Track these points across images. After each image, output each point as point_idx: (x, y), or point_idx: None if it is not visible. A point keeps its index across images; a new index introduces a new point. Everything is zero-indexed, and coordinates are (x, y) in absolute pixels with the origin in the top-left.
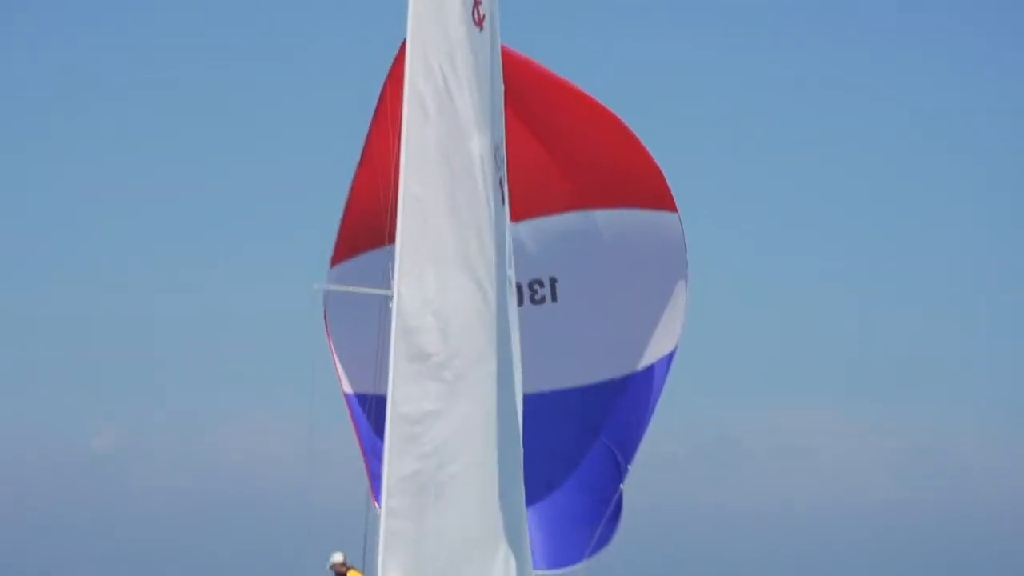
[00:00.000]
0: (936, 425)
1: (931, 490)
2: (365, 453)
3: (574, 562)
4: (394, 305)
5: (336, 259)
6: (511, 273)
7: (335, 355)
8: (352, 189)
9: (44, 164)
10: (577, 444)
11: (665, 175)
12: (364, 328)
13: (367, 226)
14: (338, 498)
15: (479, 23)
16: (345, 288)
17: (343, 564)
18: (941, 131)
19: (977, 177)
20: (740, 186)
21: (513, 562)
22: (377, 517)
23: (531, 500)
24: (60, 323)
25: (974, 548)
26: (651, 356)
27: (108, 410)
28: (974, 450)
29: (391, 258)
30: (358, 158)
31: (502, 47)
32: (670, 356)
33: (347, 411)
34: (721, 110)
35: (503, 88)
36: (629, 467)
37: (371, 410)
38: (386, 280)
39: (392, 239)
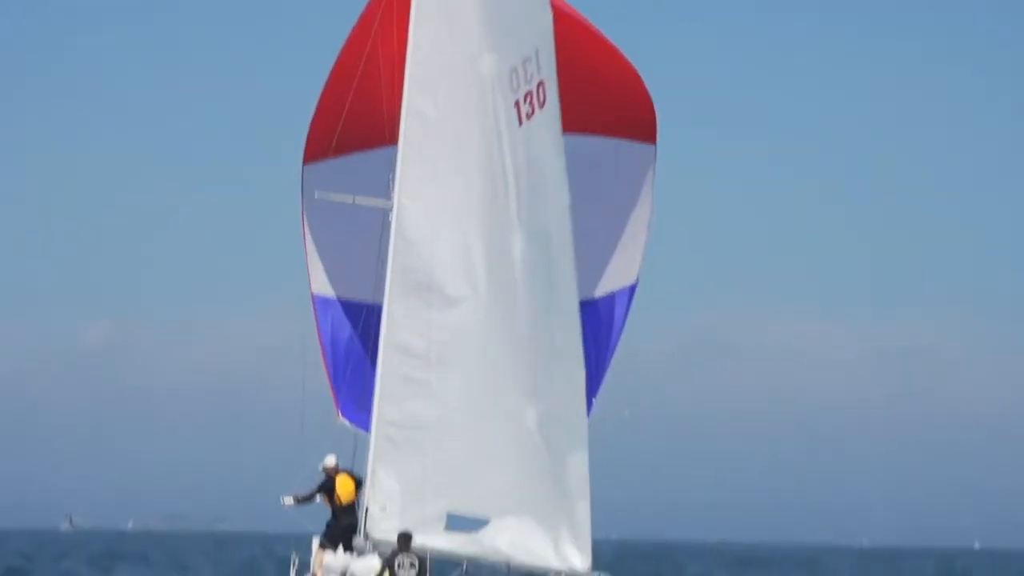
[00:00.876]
0: (923, 324)
1: (919, 386)
2: (327, 362)
3: None
4: (394, 217)
5: (311, 157)
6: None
7: (309, 255)
8: (328, 89)
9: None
10: None
11: (655, 106)
12: (346, 233)
13: (349, 127)
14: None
15: None
16: (347, 199)
17: (334, 468)
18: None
19: (976, 89)
20: (741, 100)
21: (512, 476)
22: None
23: None
24: (53, 219)
25: (961, 442)
26: (611, 284)
27: (100, 305)
28: (962, 347)
29: (390, 167)
30: (336, 57)
31: None
32: (631, 289)
33: (312, 313)
34: None
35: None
36: (594, 400)
37: (358, 319)
38: (384, 189)
39: (385, 142)
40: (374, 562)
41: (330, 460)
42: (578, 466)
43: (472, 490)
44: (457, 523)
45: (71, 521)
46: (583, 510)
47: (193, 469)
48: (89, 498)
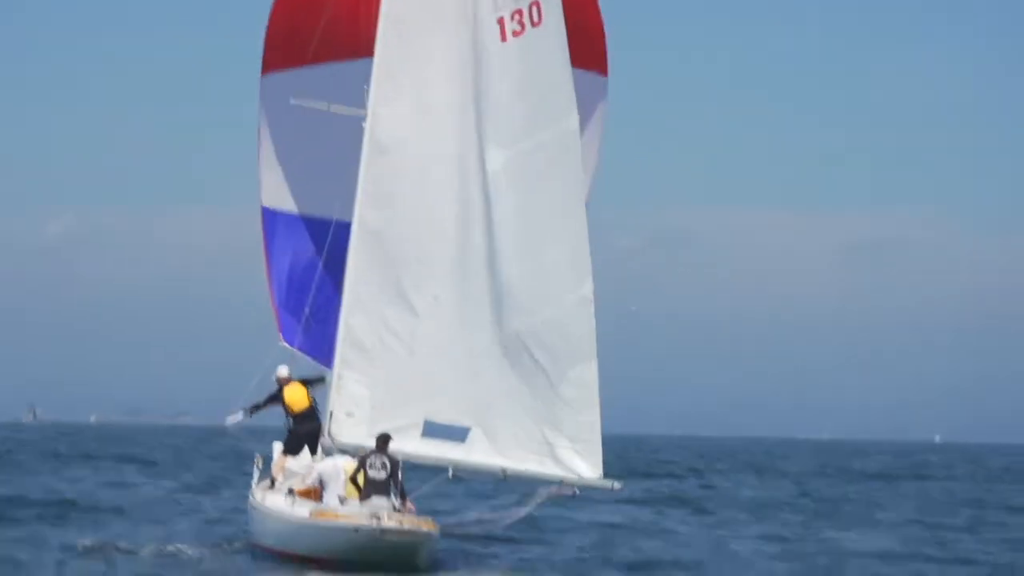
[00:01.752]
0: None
1: (885, 281)
2: (272, 280)
3: None
4: (368, 124)
5: (273, 65)
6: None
7: (264, 167)
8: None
9: None
10: None
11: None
12: (310, 145)
13: (322, 36)
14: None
15: None
16: (322, 106)
17: (285, 378)
18: None
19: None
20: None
21: (495, 386)
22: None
23: None
24: (13, 107)
25: (924, 337)
26: None
27: (61, 196)
28: (928, 242)
29: (365, 79)
30: None
31: None
32: None
33: (260, 226)
34: None
35: None
36: None
37: (314, 235)
38: (356, 100)
39: (361, 54)
40: (341, 462)
41: (282, 371)
42: (583, 376)
43: (450, 399)
44: (437, 432)
45: (34, 414)
46: (590, 420)
47: (154, 364)
48: (52, 391)
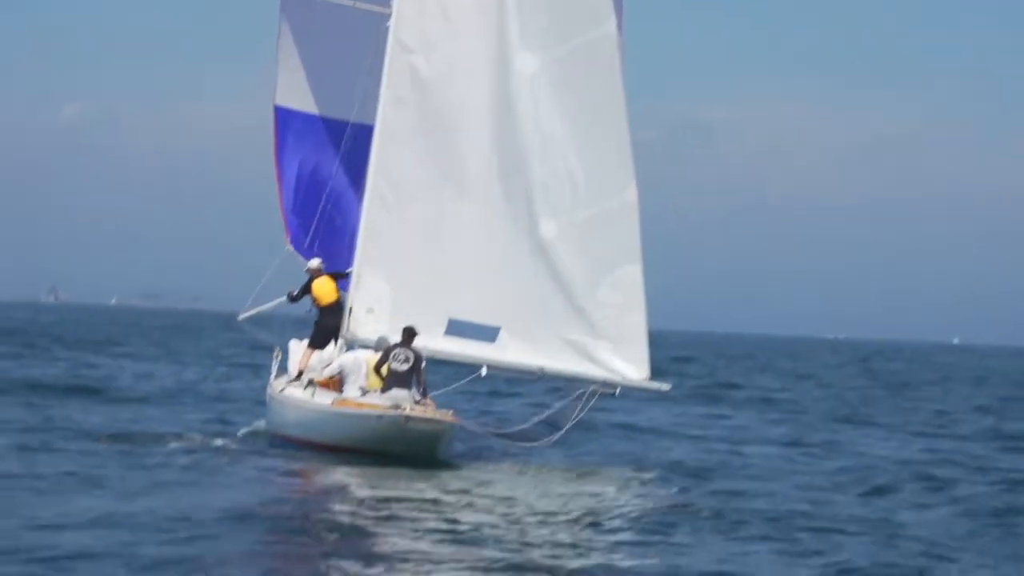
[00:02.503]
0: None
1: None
2: (282, 182)
3: None
4: (392, 24)
5: None
6: None
7: (282, 63)
8: None
9: None
10: None
11: None
12: (333, 44)
13: None
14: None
15: None
16: (347, 1)
17: (316, 270)
18: None
19: None
20: None
21: (525, 287)
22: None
23: None
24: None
25: (948, 237)
26: None
27: (78, 81)
28: (954, 141)
29: None
30: None
31: None
32: None
33: (272, 126)
34: None
35: None
36: None
37: (331, 137)
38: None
39: None
40: (362, 355)
41: (313, 263)
42: (626, 278)
43: (477, 298)
44: (463, 331)
45: (56, 295)
46: (635, 322)
47: (173, 249)
48: (74, 273)
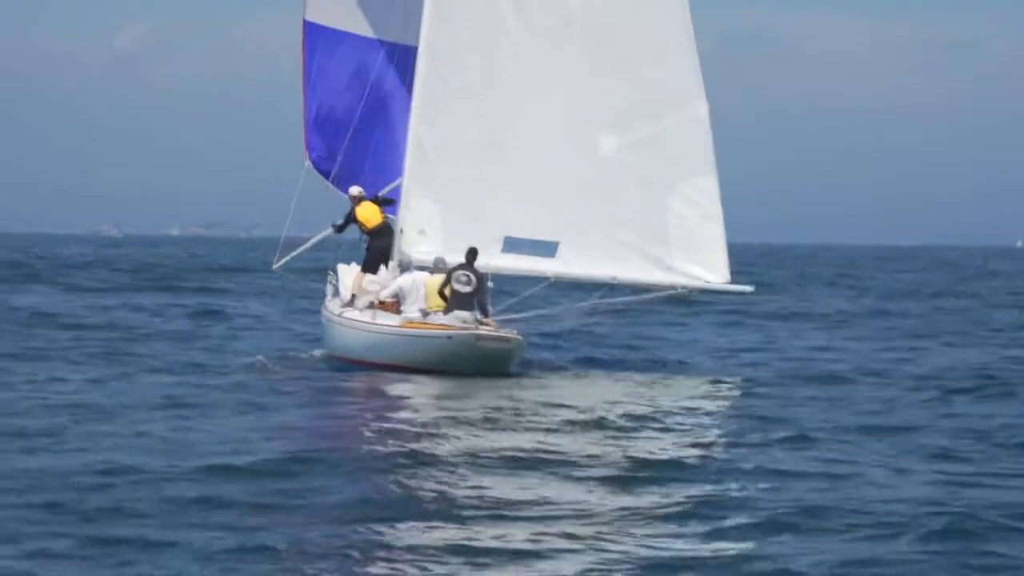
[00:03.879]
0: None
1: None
2: (307, 97)
3: None
4: None
5: None
6: None
7: None
8: None
9: None
10: None
11: None
12: None
13: None
14: None
15: None
16: None
17: (357, 196)
18: None
19: None
20: None
21: (587, 201)
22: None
23: None
24: None
25: (1008, 140)
26: None
27: (132, 8)
28: (1004, 45)
29: None
30: None
31: None
32: None
33: (300, 42)
34: None
35: None
36: None
37: (366, 54)
38: None
39: None
40: (420, 276)
41: (354, 190)
42: (701, 188)
43: (532, 214)
44: (521, 247)
45: (119, 228)
46: (711, 231)
47: (231, 178)
48: (135, 204)
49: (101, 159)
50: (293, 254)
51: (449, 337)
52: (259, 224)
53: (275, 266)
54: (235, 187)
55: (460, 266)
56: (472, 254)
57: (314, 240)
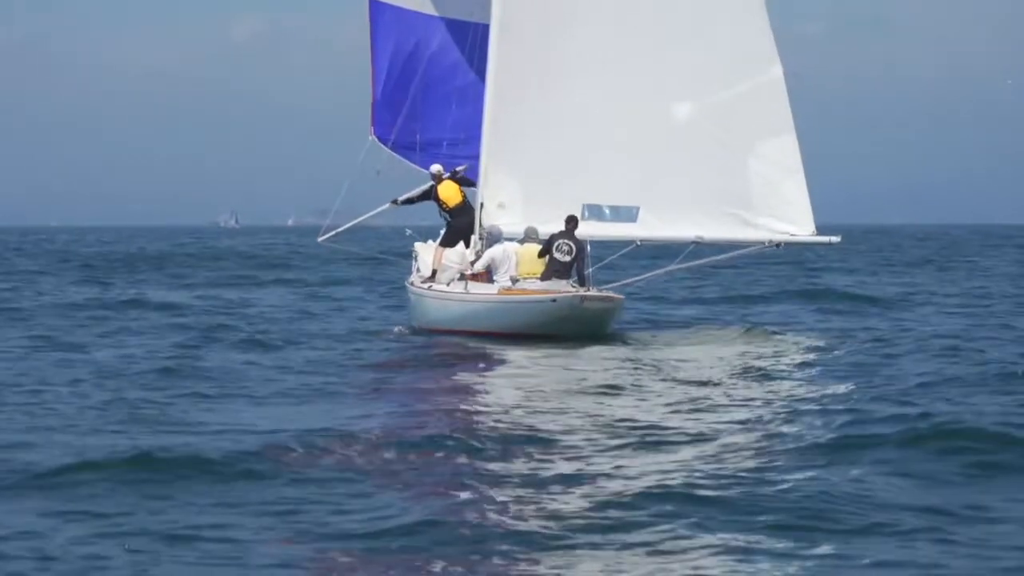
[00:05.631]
0: None
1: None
2: (374, 71)
3: None
4: None
5: None
6: None
7: None
8: None
9: None
10: None
11: None
12: None
13: None
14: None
15: None
16: None
17: (437, 174)
18: None
19: None
20: None
21: (663, 166)
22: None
23: None
24: None
25: None
26: None
27: (242, 3)
28: None
29: None
30: None
31: None
32: None
33: (367, 21)
34: None
35: None
36: None
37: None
38: None
39: None
40: (511, 246)
41: (435, 167)
42: (781, 147)
43: (610, 181)
44: (602, 214)
45: (236, 219)
46: (793, 187)
47: (339, 166)
48: (250, 195)
49: (218, 152)
50: (342, 228)
51: (554, 300)
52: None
53: (321, 239)
54: (340, 177)
55: (560, 234)
56: (571, 221)
57: (370, 214)
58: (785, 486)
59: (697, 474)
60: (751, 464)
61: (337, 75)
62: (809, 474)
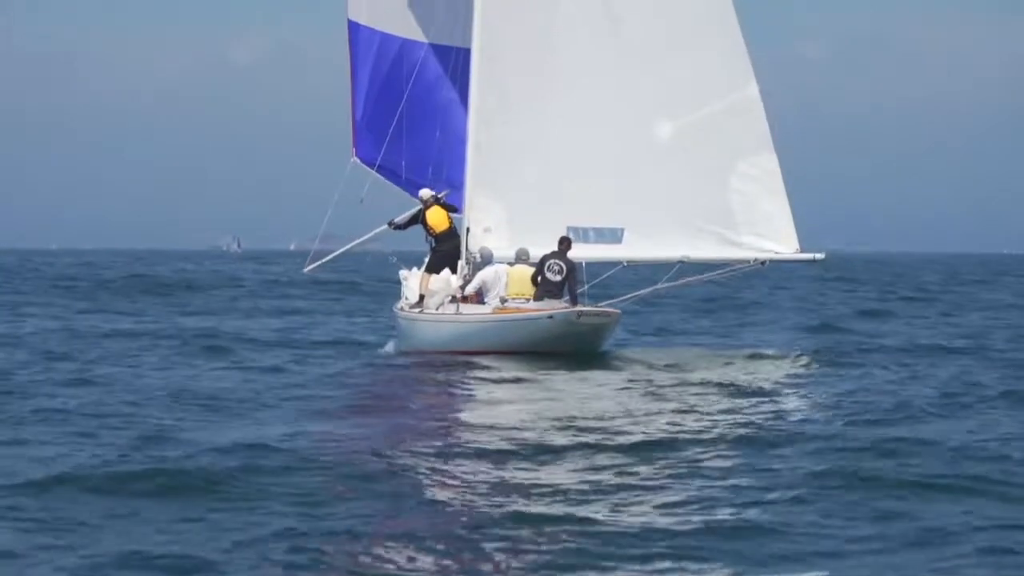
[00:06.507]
0: None
1: None
2: (354, 93)
3: None
4: None
5: None
6: None
7: None
8: None
9: None
10: None
11: None
12: None
13: None
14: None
15: None
16: None
17: (433, 197)
18: None
19: None
20: None
21: (643, 186)
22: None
23: None
24: None
25: None
26: None
27: (245, 21)
28: None
29: None
30: None
31: None
32: None
33: (347, 43)
34: None
35: None
36: None
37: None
38: None
39: None
40: (502, 268)
41: (425, 192)
42: (761, 165)
43: (594, 203)
44: (587, 237)
45: (238, 243)
46: (775, 205)
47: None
48: (252, 220)
49: (220, 176)
50: (323, 260)
51: (550, 317)
52: (378, 238)
53: (306, 269)
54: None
55: (552, 255)
56: (564, 242)
57: (365, 238)
58: (779, 512)
59: (690, 489)
60: (743, 482)
61: (321, 99)
62: (806, 501)
